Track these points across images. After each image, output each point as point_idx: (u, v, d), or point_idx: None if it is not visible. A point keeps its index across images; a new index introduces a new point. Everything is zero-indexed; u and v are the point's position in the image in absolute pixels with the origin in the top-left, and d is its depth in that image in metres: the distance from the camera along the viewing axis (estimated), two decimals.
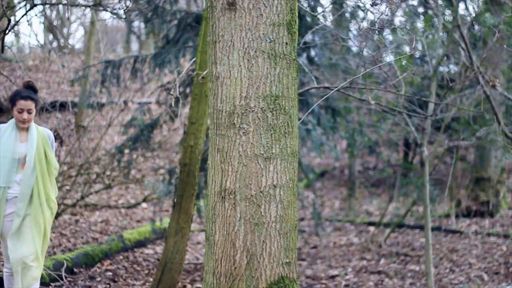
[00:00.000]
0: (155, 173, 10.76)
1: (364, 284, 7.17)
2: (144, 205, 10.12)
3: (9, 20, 5.11)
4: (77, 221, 8.54)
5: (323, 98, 4.87)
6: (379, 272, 7.68)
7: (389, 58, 7.50)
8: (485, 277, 6.95)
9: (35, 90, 4.40)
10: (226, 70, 3.16)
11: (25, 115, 4.29)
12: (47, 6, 9.28)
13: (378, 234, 9.56)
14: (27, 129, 4.38)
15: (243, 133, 3.13)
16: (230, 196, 3.15)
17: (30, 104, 4.30)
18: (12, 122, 4.37)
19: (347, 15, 9.67)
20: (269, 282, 3.14)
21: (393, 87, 6.05)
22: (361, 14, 9.68)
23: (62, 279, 5.86)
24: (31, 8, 5.83)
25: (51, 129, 5.68)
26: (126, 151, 8.52)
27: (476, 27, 8.38)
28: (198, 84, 5.24)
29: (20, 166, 4.31)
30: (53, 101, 9.16)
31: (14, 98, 4.32)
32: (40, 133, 4.41)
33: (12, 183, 4.29)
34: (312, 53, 8.34)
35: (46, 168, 4.35)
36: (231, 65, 3.14)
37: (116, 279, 6.38)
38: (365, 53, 7.19)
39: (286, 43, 3.17)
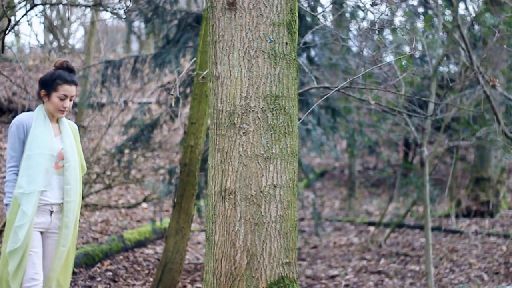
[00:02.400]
0: (155, 173, 10.76)
1: (364, 284, 7.16)
2: (144, 205, 10.12)
3: (9, 20, 5.10)
4: None
5: (323, 98, 4.87)
6: (379, 272, 7.68)
7: (389, 58, 7.50)
8: (485, 277, 6.95)
9: (74, 72, 3.66)
10: (226, 70, 3.16)
11: (67, 103, 3.56)
12: (47, 6, 9.28)
13: (378, 234, 9.56)
14: (57, 120, 3.64)
15: (243, 133, 3.13)
16: (230, 196, 3.15)
17: (74, 90, 3.59)
18: (41, 111, 3.59)
19: (347, 15, 9.67)
20: (269, 282, 3.14)
21: (393, 87, 6.05)
22: (361, 14, 9.69)
23: None
24: (31, 8, 5.82)
25: None
26: (126, 151, 8.52)
27: (476, 27, 8.38)
28: (198, 84, 5.24)
29: (54, 165, 3.54)
30: None
31: (55, 81, 3.55)
32: (71, 125, 3.71)
33: (49, 186, 3.50)
34: (312, 53, 8.34)
35: (80, 168, 3.67)
36: (231, 65, 3.14)
37: (116, 279, 6.37)
38: (365, 53, 7.20)
39: (286, 43, 3.17)
